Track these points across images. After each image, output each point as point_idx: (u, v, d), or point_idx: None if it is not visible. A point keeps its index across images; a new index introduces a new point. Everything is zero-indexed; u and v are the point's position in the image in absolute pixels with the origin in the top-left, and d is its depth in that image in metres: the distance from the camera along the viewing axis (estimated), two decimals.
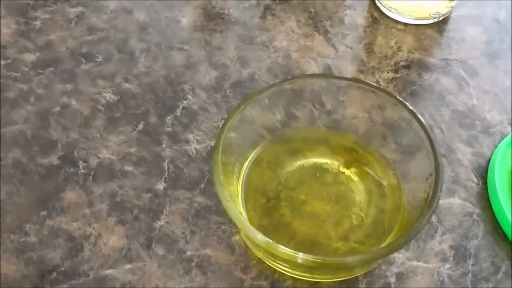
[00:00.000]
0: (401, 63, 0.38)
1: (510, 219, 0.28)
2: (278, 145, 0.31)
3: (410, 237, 0.23)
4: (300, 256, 0.22)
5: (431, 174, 0.25)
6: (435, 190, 0.24)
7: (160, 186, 0.31)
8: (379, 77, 0.37)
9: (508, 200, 0.29)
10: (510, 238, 0.29)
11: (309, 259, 0.22)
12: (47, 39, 0.39)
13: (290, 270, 0.27)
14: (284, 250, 0.22)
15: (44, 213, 0.30)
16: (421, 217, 0.23)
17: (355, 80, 0.29)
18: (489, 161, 0.32)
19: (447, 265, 0.28)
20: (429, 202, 0.24)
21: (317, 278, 0.27)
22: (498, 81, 0.37)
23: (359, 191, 0.29)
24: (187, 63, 0.37)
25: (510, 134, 0.32)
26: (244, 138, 0.29)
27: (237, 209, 0.24)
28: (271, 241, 0.22)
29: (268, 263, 0.27)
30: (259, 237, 0.23)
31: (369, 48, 0.39)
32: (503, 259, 0.28)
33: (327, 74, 0.36)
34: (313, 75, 0.34)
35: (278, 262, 0.26)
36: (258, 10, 0.41)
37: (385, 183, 0.29)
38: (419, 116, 0.27)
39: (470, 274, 0.28)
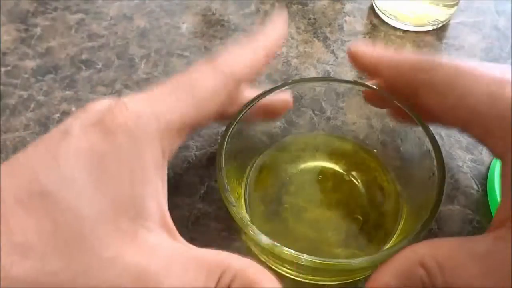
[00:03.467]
0: None
1: None
2: (279, 151, 0.31)
3: (412, 241, 0.23)
4: (304, 258, 0.22)
5: (431, 179, 0.25)
6: (436, 195, 0.24)
7: None
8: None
9: None
10: None
11: (313, 260, 0.22)
12: (47, 46, 0.39)
13: (292, 272, 0.26)
14: (289, 252, 0.22)
15: None
16: (422, 223, 0.23)
17: (355, 83, 0.29)
18: (488, 167, 0.32)
19: None
20: (430, 208, 0.24)
21: (316, 280, 0.27)
22: None
23: (359, 196, 0.29)
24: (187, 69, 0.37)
25: None
26: (245, 145, 0.29)
27: (244, 213, 0.24)
28: (277, 244, 0.22)
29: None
30: (264, 239, 0.23)
31: None
32: None
33: (326, 77, 0.36)
34: (312, 79, 0.34)
35: (283, 265, 0.26)
36: (257, 17, 0.41)
37: (385, 188, 0.29)
38: (421, 120, 0.27)
39: None
